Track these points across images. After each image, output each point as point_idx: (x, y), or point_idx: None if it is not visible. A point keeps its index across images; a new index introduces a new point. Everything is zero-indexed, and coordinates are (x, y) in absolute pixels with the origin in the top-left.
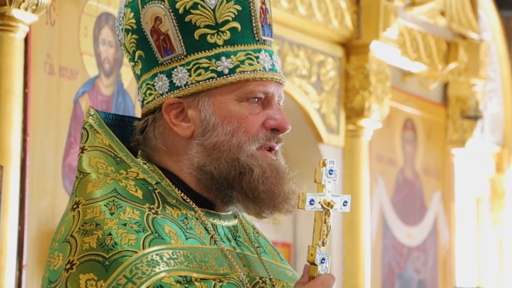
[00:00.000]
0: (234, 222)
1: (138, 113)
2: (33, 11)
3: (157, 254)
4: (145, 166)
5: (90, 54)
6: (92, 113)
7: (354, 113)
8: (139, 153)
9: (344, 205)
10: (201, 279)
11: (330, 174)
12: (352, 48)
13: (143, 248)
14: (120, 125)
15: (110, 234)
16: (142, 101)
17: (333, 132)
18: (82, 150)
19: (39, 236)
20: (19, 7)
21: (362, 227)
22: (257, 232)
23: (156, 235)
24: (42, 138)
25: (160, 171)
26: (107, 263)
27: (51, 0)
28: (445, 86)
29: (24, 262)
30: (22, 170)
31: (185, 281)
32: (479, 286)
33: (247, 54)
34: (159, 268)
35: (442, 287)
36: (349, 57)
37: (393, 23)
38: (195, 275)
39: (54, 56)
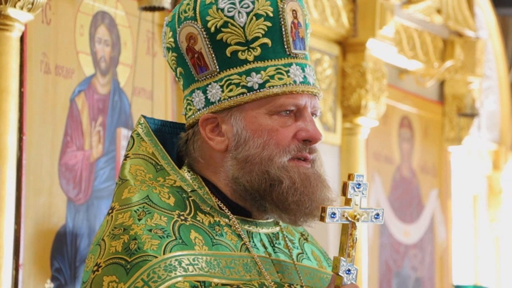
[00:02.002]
0: (275, 229)
1: (134, 111)
2: (29, 10)
3: (176, 260)
4: (185, 175)
5: (86, 53)
6: (141, 122)
7: (350, 111)
8: (186, 162)
9: (376, 217)
10: (223, 284)
11: (358, 188)
12: (348, 46)
13: (164, 253)
14: (177, 132)
15: (135, 239)
16: (185, 115)
17: (329, 130)
18: (126, 157)
19: (35, 235)
20: (14, 6)
21: (359, 225)
22: (305, 239)
23: (180, 241)
24: (38, 137)
25: (201, 179)
26: (128, 266)
27: None
28: (442, 84)
29: (21, 261)
30: (18, 169)
31: (203, 286)
32: (476, 283)
33: (277, 69)
34: (175, 273)
35: (439, 284)
36: (345, 55)
37: (390, 21)
38: (216, 280)
39: (50, 55)
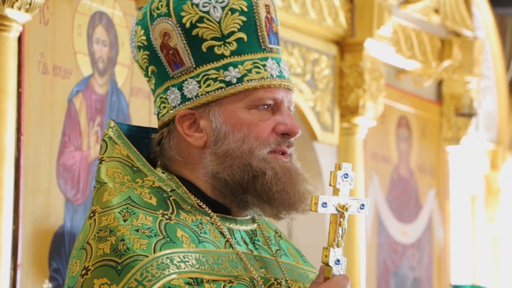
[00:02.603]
0: (253, 226)
1: (132, 112)
2: (27, 10)
3: (167, 258)
4: (162, 175)
5: (84, 53)
6: (112, 125)
7: (348, 111)
8: (158, 164)
9: (361, 208)
10: (213, 280)
11: (346, 177)
12: (346, 46)
13: (154, 252)
14: (142, 136)
15: (123, 239)
16: (158, 114)
17: (327, 130)
18: (101, 161)
19: (33, 235)
20: (12, 7)
21: (357, 225)
22: (280, 236)
23: (168, 239)
24: (36, 137)
25: (177, 179)
26: (119, 267)
27: None
28: (440, 83)
29: (19, 261)
30: (16, 169)
31: (195, 283)
32: (474, 283)
33: (254, 63)
34: (168, 271)
35: (437, 284)
36: (343, 55)
37: (387, 21)
38: (206, 277)
39: (48, 55)
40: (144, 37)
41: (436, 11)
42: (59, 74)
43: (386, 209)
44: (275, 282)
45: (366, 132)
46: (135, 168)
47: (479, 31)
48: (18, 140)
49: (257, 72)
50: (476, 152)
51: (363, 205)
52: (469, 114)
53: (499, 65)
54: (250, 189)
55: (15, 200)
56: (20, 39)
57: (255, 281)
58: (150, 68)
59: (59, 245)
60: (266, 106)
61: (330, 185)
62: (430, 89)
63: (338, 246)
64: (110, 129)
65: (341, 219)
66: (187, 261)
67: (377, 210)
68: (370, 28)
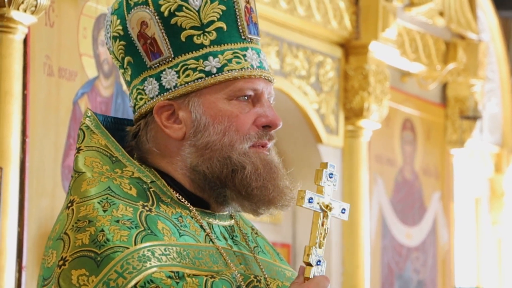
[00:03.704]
0: (230, 222)
1: None
2: (32, 13)
3: (148, 250)
4: (141, 166)
5: (89, 55)
6: (89, 114)
7: (353, 113)
8: (135, 157)
9: (342, 212)
10: (194, 275)
11: (330, 177)
12: (351, 48)
13: (135, 244)
14: (118, 128)
15: (102, 230)
16: (134, 107)
17: (332, 133)
18: (78, 150)
19: (38, 237)
20: (18, 9)
21: (361, 228)
22: (256, 233)
23: (149, 231)
24: (42, 139)
25: (155, 172)
26: (98, 258)
27: (50, 1)
28: (444, 86)
29: (24, 263)
30: (21, 172)
31: (176, 277)
32: (478, 286)
33: (234, 53)
34: (150, 264)
35: (442, 287)
36: (348, 58)
37: (392, 24)
38: (187, 271)
39: (53, 57)
40: (120, 27)
41: (441, 13)
42: (65, 76)
43: (390, 211)
44: (255, 280)
45: (371, 134)
46: (113, 158)
47: (484, 33)
48: (23, 142)
49: (238, 62)
50: (480, 155)
51: (344, 209)
52: (474, 117)
53: (503, 67)
54: (229, 183)
55: (20, 202)
56: (25, 41)
57: (236, 277)
58: (126, 59)
59: None
60: (246, 98)
61: (315, 182)
62: (435, 92)
63: (320, 246)
64: (88, 118)
65: (324, 219)
66: (168, 254)
67: (382, 213)
68: (375, 31)
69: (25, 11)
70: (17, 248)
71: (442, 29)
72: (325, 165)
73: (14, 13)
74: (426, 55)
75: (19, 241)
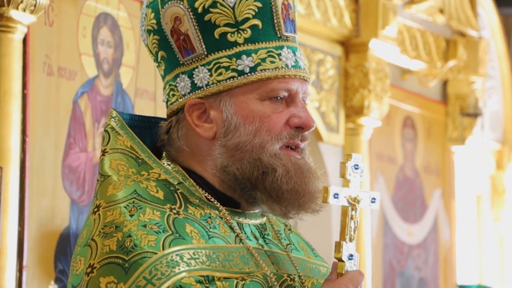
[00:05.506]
0: (262, 220)
1: (137, 113)
2: (31, 12)
3: (177, 255)
4: (168, 167)
5: (89, 54)
6: (114, 115)
7: (353, 111)
8: (164, 154)
9: (372, 201)
10: (224, 278)
11: (356, 169)
12: (351, 46)
13: (163, 249)
14: (146, 126)
15: (129, 236)
16: (167, 102)
17: (332, 131)
18: (104, 152)
19: (39, 237)
20: (17, 8)
21: (363, 225)
22: (289, 229)
23: (177, 235)
24: (42, 139)
25: (184, 172)
26: (126, 265)
27: (50, 0)
28: (445, 83)
29: (24, 262)
30: (21, 171)
31: (206, 281)
32: (480, 283)
33: (268, 52)
34: (179, 269)
35: (443, 285)
36: (348, 56)
37: (392, 21)
38: (218, 274)
39: (53, 56)
40: (154, 21)
41: (441, 11)
42: (64, 75)
43: (391, 209)
44: (288, 278)
45: (371, 132)
46: (139, 160)
47: (484, 31)
48: (23, 141)
49: (272, 62)
50: (481, 152)
51: (374, 198)
52: (475, 114)
53: (504, 65)
54: (259, 185)
55: (21, 202)
56: (25, 41)
57: (268, 278)
58: (160, 54)
59: (65, 247)
60: (279, 98)
61: (340, 176)
62: (435, 89)
63: (350, 240)
64: (112, 119)
65: (353, 212)
66: (197, 258)
67: (383, 211)
68: (375, 29)
69: (24, 10)
70: (18, 248)
71: (442, 26)
72: (349, 156)
73: (13, 13)
74: (427, 52)
75: (19, 241)
